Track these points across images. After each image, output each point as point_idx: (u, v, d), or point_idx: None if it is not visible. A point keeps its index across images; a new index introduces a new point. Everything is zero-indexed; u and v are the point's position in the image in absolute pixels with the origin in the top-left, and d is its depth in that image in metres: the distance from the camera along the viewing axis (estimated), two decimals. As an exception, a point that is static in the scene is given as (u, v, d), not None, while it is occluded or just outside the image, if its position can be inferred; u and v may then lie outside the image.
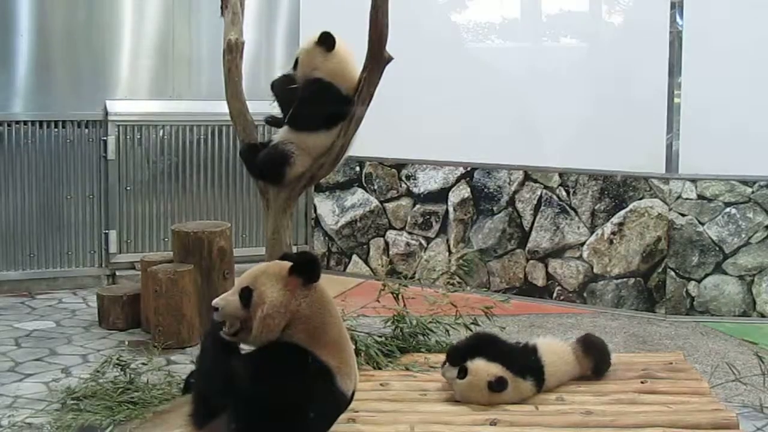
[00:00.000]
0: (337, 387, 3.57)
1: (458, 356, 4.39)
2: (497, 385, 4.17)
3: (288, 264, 3.61)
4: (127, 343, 5.82)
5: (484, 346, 4.38)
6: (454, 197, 7.57)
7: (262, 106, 5.07)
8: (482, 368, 4.23)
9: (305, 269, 3.57)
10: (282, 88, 4.93)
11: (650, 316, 6.77)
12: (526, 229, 7.29)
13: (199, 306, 5.90)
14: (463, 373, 4.24)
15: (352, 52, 4.91)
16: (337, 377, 3.56)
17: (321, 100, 4.81)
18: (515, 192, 7.32)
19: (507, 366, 4.26)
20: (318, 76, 4.82)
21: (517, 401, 4.23)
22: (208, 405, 3.49)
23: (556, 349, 4.53)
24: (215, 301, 3.60)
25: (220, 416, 3.45)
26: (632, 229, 6.88)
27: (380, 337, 5.27)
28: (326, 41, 4.82)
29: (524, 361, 4.36)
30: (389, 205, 7.84)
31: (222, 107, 5.26)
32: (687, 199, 6.73)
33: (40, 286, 7.18)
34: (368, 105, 4.82)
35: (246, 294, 3.54)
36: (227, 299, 3.59)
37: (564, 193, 7.13)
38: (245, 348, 3.64)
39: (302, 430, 3.51)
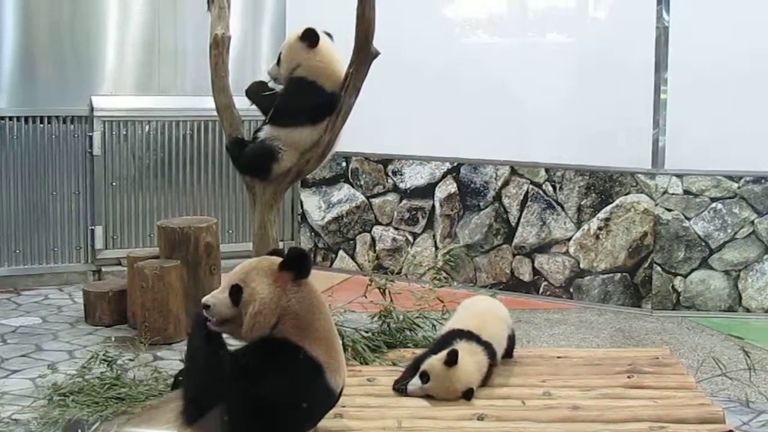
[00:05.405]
0: (327, 382, 3.57)
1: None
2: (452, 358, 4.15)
3: (277, 260, 3.59)
4: (113, 338, 5.80)
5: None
6: (440, 192, 7.57)
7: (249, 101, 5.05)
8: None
9: (296, 265, 3.56)
10: (257, 94, 4.92)
11: (636, 311, 6.79)
12: (513, 224, 7.29)
13: (185, 302, 5.89)
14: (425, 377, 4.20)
15: (337, 48, 4.89)
16: (327, 373, 3.56)
17: (303, 98, 4.80)
18: (502, 187, 7.32)
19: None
20: (300, 75, 4.80)
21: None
22: (198, 401, 3.47)
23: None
24: (205, 299, 3.57)
25: (210, 412, 3.44)
26: (618, 225, 6.89)
27: (367, 332, 5.28)
28: (309, 37, 4.78)
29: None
30: (376, 201, 7.83)
31: (208, 102, 5.25)
32: (673, 194, 6.75)
33: (25, 282, 7.15)
34: (355, 99, 4.81)
35: (235, 291, 3.53)
36: (217, 297, 3.57)
37: (550, 189, 7.14)
38: (234, 343, 3.63)
39: (292, 424, 3.51)
